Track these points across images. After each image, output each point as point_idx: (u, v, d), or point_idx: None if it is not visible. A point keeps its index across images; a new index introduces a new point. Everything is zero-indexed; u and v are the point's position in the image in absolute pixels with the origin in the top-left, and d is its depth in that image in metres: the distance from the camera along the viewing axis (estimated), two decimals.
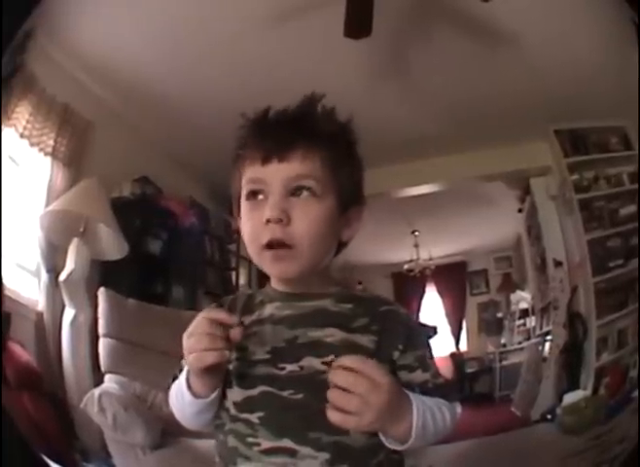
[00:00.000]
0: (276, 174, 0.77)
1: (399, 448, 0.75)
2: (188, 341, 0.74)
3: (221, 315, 0.74)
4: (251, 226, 0.80)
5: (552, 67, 1.56)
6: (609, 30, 1.58)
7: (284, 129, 0.79)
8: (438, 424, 0.76)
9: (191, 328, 0.74)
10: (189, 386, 0.79)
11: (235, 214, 0.86)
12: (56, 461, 1.40)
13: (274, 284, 0.86)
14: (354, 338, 0.79)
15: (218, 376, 0.77)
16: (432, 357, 0.84)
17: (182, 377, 0.81)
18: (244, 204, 0.82)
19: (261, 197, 0.79)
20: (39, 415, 1.42)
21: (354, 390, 0.68)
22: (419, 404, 0.74)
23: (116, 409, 1.41)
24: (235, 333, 0.73)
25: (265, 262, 0.80)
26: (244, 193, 0.81)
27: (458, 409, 0.82)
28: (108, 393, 1.44)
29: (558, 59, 1.55)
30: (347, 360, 0.71)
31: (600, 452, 1.40)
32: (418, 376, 0.80)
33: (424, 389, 0.80)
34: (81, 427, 1.45)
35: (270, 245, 0.77)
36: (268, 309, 0.84)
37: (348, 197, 0.83)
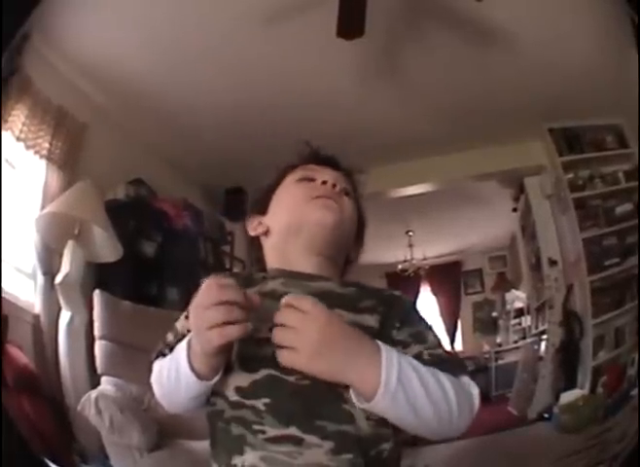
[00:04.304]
0: (330, 172, 0.91)
1: (367, 406, 0.68)
2: (203, 313, 0.67)
3: (229, 281, 0.69)
4: (303, 190, 0.88)
5: (546, 66, 1.55)
6: (606, 28, 1.56)
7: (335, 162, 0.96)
8: (432, 390, 0.68)
9: (202, 299, 0.68)
10: (191, 367, 0.72)
11: (253, 215, 0.94)
12: (56, 463, 1.40)
13: (279, 265, 0.86)
14: (361, 318, 0.76)
15: (226, 354, 0.72)
16: (435, 335, 0.79)
17: (179, 354, 0.74)
18: (295, 184, 0.91)
19: (312, 181, 0.90)
20: (38, 418, 1.42)
21: (287, 323, 0.67)
22: (393, 356, 0.68)
23: (112, 411, 1.41)
24: (254, 297, 0.69)
25: (311, 208, 0.86)
26: (296, 178, 0.91)
27: (474, 390, 0.73)
28: (104, 395, 1.44)
29: (552, 58, 1.55)
30: (285, 298, 0.70)
31: (599, 451, 1.39)
32: (412, 349, 0.75)
33: (419, 360, 0.72)
34: (79, 429, 1.45)
35: (324, 196, 0.87)
36: (270, 285, 0.80)
37: (361, 221, 0.94)
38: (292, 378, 0.72)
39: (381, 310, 0.78)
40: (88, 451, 1.45)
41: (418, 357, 0.74)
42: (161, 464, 1.43)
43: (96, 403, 1.42)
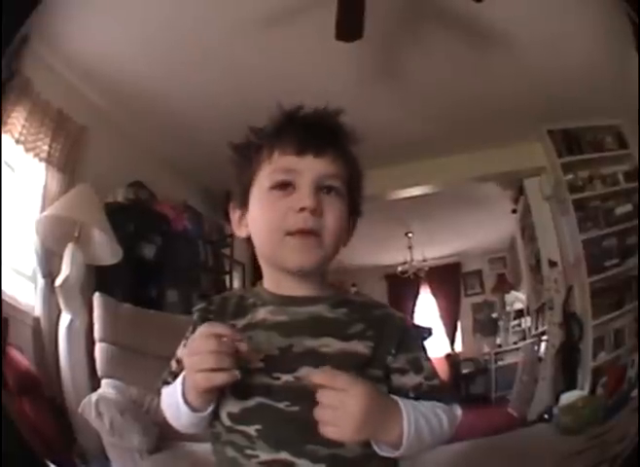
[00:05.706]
0: (312, 167, 0.78)
1: (392, 455, 0.72)
2: (191, 358, 0.71)
3: (224, 330, 0.71)
4: (276, 213, 0.78)
5: (545, 67, 1.55)
6: (606, 28, 1.57)
7: (320, 128, 0.79)
8: (434, 429, 0.74)
9: (194, 345, 0.71)
10: (185, 400, 0.75)
11: (234, 206, 0.85)
12: (57, 465, 1.40)
13: (267, 285, 0.83)
14: (350, 346, 0.77)
15: (217, 392, 0.74)
16: (427, 359, 0.82)
17: (177, 387, 0.77)
18: (267, 193, 0.79)
19: (289, 187, 0.78)
20: (39, 420, 1.42)
21: (326, 403, 0.68)
22: (410, 410, 0.72)
23: (113, 413, 1.41)
24: (243, 346, 0.71)
25: (286, 249, 0.78)
26: (269, 182, 0.79)
27: (457, 411, 0.79)
28: (105, 398, 1.45)
29: (551, 59, 1.55)
30: (315, 377, 0.70)
31: (600, 452, 1.39)
32: (411, 378, 0.78)
33: (418, 392, 0.77)
34: (80, 432, 1.46)
35: (300, 233, 0.77)
36: (261, 313, 0.80)
37: (354, 204, 0.85)
38: (282, 405, 0.74)
39: (373, 335, 0.79)
40: (89, 454, 1.45)
41: (418, 388, 0.78)
42: (162, 466, 1.43)
43: (97, 405, 1.42)
